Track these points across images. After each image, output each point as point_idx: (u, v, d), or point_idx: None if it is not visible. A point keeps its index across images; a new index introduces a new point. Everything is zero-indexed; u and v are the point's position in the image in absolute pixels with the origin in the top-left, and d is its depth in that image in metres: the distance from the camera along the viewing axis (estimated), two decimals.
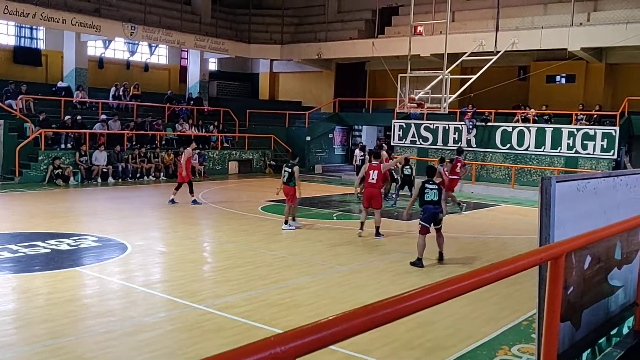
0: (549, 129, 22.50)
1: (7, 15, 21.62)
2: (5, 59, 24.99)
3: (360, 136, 32.04)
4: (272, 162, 27.43)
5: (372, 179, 12.11)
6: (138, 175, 22.08)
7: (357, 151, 21.41)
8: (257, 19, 31.87)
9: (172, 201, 15.77)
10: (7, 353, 5.71)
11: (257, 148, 27.65)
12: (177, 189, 15.93)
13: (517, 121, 23.33)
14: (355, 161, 21.62)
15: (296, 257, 10.33)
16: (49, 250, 9.82)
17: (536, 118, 23.15)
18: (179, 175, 16.07)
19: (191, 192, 15.92)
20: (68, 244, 10.32)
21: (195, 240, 11.77)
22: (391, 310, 1.85)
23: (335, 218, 15.13)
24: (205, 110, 28.72)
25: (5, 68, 24.50)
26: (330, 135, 29.94)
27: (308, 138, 27.78)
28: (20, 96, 21.83)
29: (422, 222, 9.95)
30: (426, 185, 10.07)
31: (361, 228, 12.42)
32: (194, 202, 15.94)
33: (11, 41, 25.74)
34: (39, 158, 19.89)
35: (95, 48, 27.85)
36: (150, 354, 5.80)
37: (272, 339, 1.62)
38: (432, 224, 10.01)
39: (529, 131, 22.87)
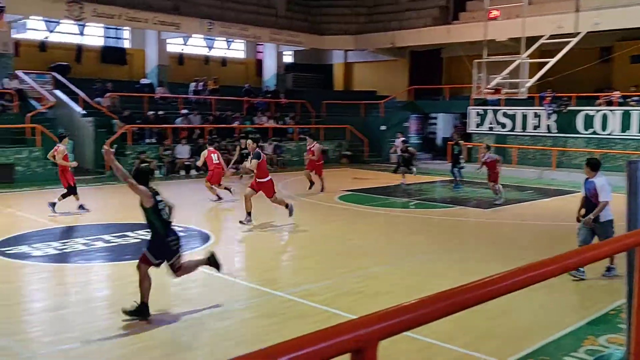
0: (635, 111, 21.46)
1: (96, 18, 22.73)
2: (94, 59, 26.29)
3: (435, 124, 31.63)
4: (347, 152, 27.53)
5: None
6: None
7: (397, 141, 20.99)
8: (331, 10, 31.98)
9: (220, 197, 15.18)
10: (105, 336, 6.09)
11: (333, 139, 27.82)
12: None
13: (600, 104, 22.38)
14: (395, 151, 20.93)
15: (373, 246, 10.40)
16: (139, 240, 10.31)
17: (621, 101, 22.12)
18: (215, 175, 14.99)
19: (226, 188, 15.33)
20: None
21: (274, 230, 12.05)
22: (472, 295, 1.89)
23: (413, 207, 15.09)
24: (282, 102, 29.15)
25: (94, 68, 25.78)
26: (406, 124, 29.70)
27: (383, 127, 27.66)
28: (107, 94, 22.93)
29: None
30: None
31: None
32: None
33: (99, 42, 27.04)
34: (127, 153, 20.84)
35: (175, 45, 28.79)
36: (236, 339, 6.03)
37: (356, 322, 1.69)
38: None
39: (614, 114, 21.89)
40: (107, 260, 9.24)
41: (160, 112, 23.16)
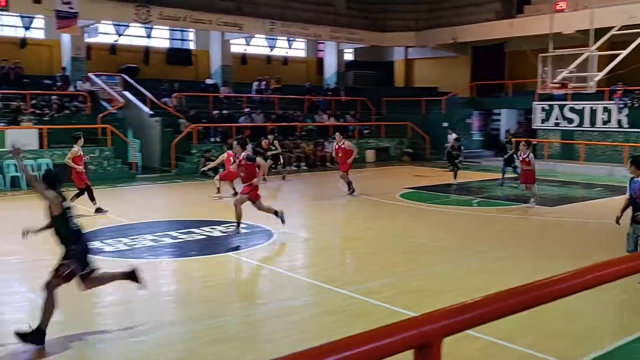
0: None
1: (162, 20, 23.40)
2: (160, 60, 27.08)
3: (499, 120, 30.95)
4: (409, 149, 27.32)
5: None
6: (280, 164, 22.98)
7: (450, 137, 20.56)
8: (391, 6, 31.77)
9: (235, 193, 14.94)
10: (172, 329, 6.30)
11: (394, 136, 27.67)
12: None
13: None
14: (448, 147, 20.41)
15: (436, 244, 10.32)
16: (204, 237, 10.59)
17: None
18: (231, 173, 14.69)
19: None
20: (220, 231, 11.06)
21: (335, 227, 12.13)
22: (538, 293, 1.87)
23: (475, 205, 14.86)
24: (342, 100, 29.20)
25: (160, 69, 26.54)
26: (468, 121, 29.21)
27: (445, 124, 27.31)
28: (173, 94, 23.58)
29: None
30: None
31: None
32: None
33: (165, 44, 27.84)
34: (192, 151, 21.37)
35: (238, 45, 29.28)
36: (298, 335, 6.12)
37: (420, 318, 1.71)
38: None
39: None
40: (174, 256, 9.53)
41: (224, 112, 23.64)
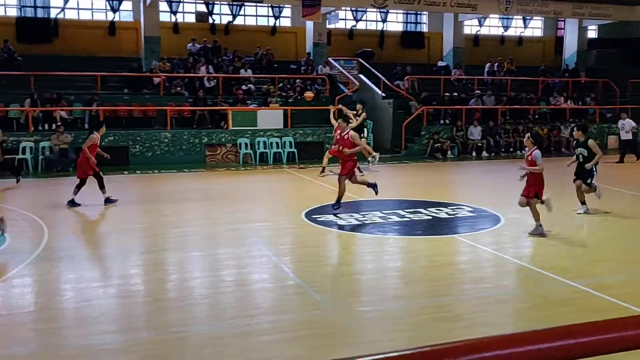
0: None
1: (397, 5, 23.99)
2: (394, 44, 27.85)
3: None
4: None
5: None
6: (511, 149, 22.32)
7: (623, 123, 17.63)
8: None
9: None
10: (398, 303, 6.65)
11: None
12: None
13: None
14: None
15: None
16: (430, 217, 10.85)
17: None
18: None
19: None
20: (446, 213, 11.23)
21: (564, 214, 11.53)
22: None
23: None
24: (582, 81, 27.20)
25: (394, 52, 27.30)
26: None
27: None
28: (406, 77, 24.14)
29: None
30: None
31: None
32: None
33: (399, 27, 28.52)
34: (421, 133, 21.75)
35: (471, 27, 28.83)
36: (524, 323, 6.06)
37: None
38: None
39: None
40: (400, 233, 9.93)
41: (455, 94, 23.59)
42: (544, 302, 6.73)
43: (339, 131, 11.23)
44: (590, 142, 10.81)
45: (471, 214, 11.18)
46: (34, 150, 17.67)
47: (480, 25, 29.27)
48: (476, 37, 29.20)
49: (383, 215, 11.01)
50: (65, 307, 6.48)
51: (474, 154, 21.70)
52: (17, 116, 18.95)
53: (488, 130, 22.25)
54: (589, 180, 10.91)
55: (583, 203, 11.09)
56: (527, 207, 9.54)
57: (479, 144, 21.85)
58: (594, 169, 10.91)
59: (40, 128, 18.47)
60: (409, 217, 10.87)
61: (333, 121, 13.61)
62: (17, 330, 5.74)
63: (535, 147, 9.35)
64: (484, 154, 21.76)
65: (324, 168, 16.20)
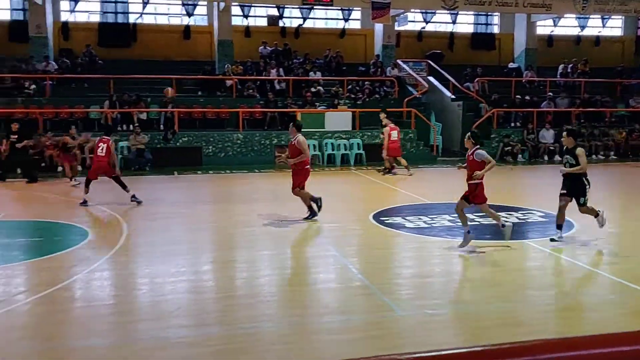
0: None
1: (468, 6, 23.70)
2: (464, 45, 27.53)
3: None
4: None
5: None
6: (587, 154, 21.60)
7: None
8: None
9: None
10: (465, 307, 6.60)
11: None
12: None
13: None
14: None
15: None
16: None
17: None
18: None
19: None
20: (517, 217, 11.05)
21: None
22: None
23: None
24: None
25: (464, 54, 26.99)
26: None
27: None
28: (476, 79, 23.80)
29: None
30: None
31: None
32: None
33: (469, 29, 28.14)
34: (491, 136, 21.39)
35: (544, 27, 28.10)
36: (592, 332, 5.95)
37: None
38: None
39: None
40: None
41: (526, 97, 23.07)
42: (621, 313, 6.50)
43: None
44: (579, 150, 9.20)
45: (542, 219, 10.96)
46: None
47: (555, 25, 28.47)
48: (550, 38, 28.43)
49: (452, 218, 10.93)
50: (143, 301, 6.81)
51: (545, 157, 21.15)
52: (98, 117, 19.88)
53: (561, 133, 21.61)
54: (581, 200, 9.11)
55: (560, 227, 9.21)
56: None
57: (551, 148, 21.29)
58: (587, 183, 9.15)
59: (119, 129, 19.30)
60: (478, 221, 10.75)
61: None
62: (96, 322, 6.07)
63: (477, 146, 8.84)
64: (557, 157, 21.17)
65: (390, 168, 16.71)
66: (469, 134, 9.12)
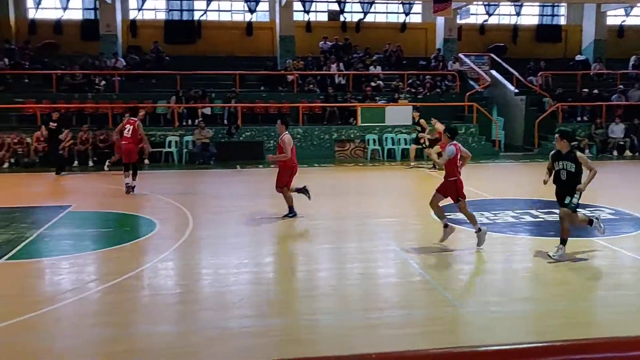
0: None
1: None
2: (528, 38, 26.87)
3: None
4: None
5: None
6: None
7: None
8: None
9: None
10: (528, 305, 6.49)
11: None
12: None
13: None
14: None
15: None
16: None
17: None
18: None
19: None
20: (584, 214, 10.72)
21: None
22: None
23: None
24: None
25: (528, 47, 26.32)
26: None
27: None
28: (540, 72, 23.18)
29: None
30: None
31: None
32: None
33: (534, 21, 27.41)
34: (554, 131, 20.80)
35: (615, 17, 27.08)
36: None
37: None
38: None
39: None
40: (532, 234, 9.67)
41: (594, 90, 22.31)
42: None
43: None
44: (579, 154, 8.18)
45: (612, 217, 10.62)
46: (178, 144, 19.00)
47: (627, 15, 27.36)
48: (621, 28, 27.35)
49: (515, 214, 10.76)
50: (207, 291, 7.01)
51: (615, 153, 20.42)
52: (164, 112, 20.46)
53: (632, 128, 20.84)
54: (567, 200, 8.05)
55: (564, 242, 8.10)
56: None
57: (621, 143, 20.53)
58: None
59: (184, 123, 19.80)
60: (542, 218, 10.54)
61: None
62: (163, 310, 6.31)
63: (453, 142, 8.47)
64: (627, 153, 20.41)
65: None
66: (444, 127, 8.90)
